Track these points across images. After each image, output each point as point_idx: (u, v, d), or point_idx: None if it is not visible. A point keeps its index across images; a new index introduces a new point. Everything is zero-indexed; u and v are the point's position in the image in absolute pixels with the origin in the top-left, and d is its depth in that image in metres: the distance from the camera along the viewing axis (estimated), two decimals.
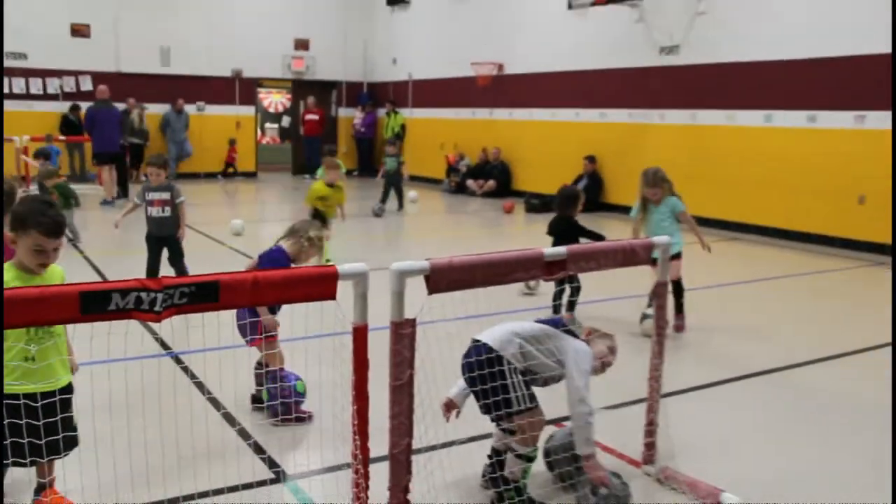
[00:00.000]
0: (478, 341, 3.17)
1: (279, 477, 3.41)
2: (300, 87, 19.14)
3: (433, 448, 3.24)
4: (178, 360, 4.91)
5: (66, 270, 2.97)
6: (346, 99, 19.49)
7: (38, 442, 2.71)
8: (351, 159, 18.69)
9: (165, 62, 16.83)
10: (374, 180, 12.44)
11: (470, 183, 15.51)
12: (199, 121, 17.34)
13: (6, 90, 15.04)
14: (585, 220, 6.35)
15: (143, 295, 2.09)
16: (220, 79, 17.60)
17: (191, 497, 3.14)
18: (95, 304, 2.05)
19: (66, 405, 2.89)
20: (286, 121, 22.02)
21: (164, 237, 6.26)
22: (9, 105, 14.81)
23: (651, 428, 3.50)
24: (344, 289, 2.42)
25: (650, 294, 5.81)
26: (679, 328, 5.85)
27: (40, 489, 3.05)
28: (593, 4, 11.92)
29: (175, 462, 3.34)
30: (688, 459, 3.57)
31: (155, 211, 6.18)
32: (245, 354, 4.24)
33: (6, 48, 14.81)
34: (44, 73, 15.71)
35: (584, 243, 4.09)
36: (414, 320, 2.51)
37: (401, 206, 12.91)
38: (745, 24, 10.73)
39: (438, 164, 16.85)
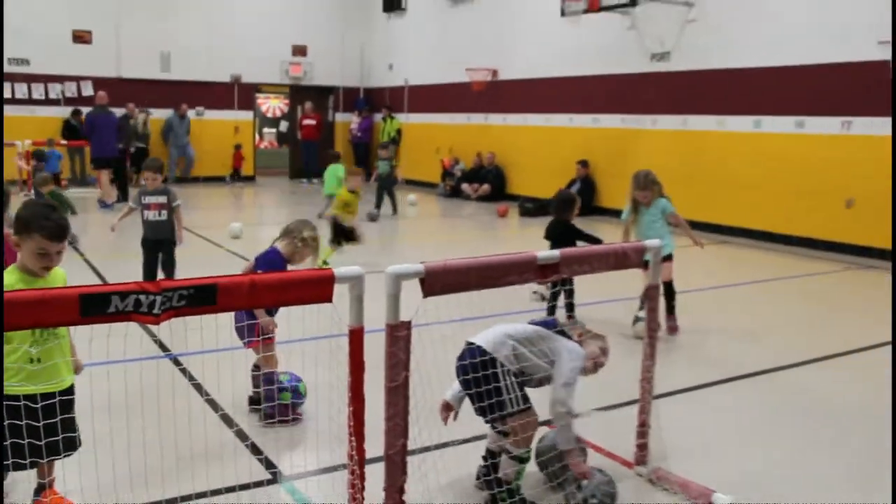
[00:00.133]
0: (472, 343, 3.21)
1: (276, 478, 3.45)
2: (298, 93, 19.20)
3: (428, 449, 3.27)
4: (176, 362, 4.94)
5: (67, 273, 3.01)
6: (342, 104, 19.55)
7: (37, 443, 2.74)
8: (347, 164, 18.71)
9: (165, 68, 16.90)
10: (369, 184, 12.51)
11: (465, 187, 15.57)
12: (199, 125, 17.41)
13: (8, 95, 15.10)
14: (579, 224, 6.40)
15: (142, 298, 2.13)
16: (220, 84, 17.67)
17: (188, 498, 3.17)
18: (95, 306, 2.08)
19: (68, 406, 2.92)
20: (284, 125, 22.07)
21: (161, 241, 6.27)
22: (11, 110, 14.88)
23: (643, 429, 3.54)
24: (340, 291, 2.47)
25: (642, 296, 5.86)
26: (672, 330, 5.90)
27: (40, 489, 3.08)
28: (586, 12, 11.99)
29: (174, 463, 3.37)
30: (679, 460, 3.61)
31: (151, 215, 6.19)
32: (243, 356, 4.28)
33: (8, 54, 14.87)
34: (46, 79, 15.78)
35: (580, 246, 4.14)
36: (409, 323, 2.55)
37: (395, 210, 12.93)
38: (735, 32, 10.83)
39: (434, 168, 16.91)
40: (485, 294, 2.92)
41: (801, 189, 10.18)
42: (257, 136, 20.95)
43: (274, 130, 24.37)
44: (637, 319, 5.78)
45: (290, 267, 4.18)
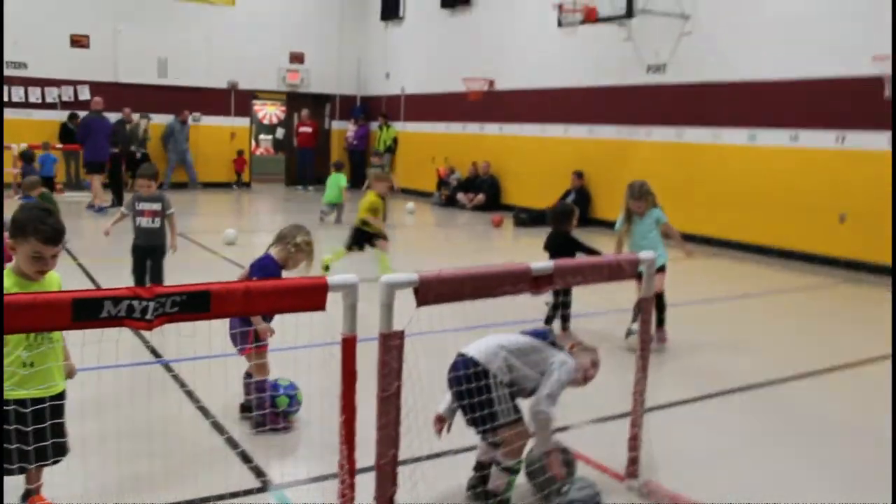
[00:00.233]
0: (464, 354, 3.20)
1: (266, 486, 3.43)
2: (294, 100, 19.23)
3: (419, 460, 3.26)
4: (168, 368, 4.92)
5: (61, 277, 3.00)
6: (339, 112, 19.58)
7: (26, 448, 2.72)
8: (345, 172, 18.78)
9: (163, 73, 16.91)
10: (362, 192, 12.55)
11: (460, 196, 15.59)
12: (194, 131, 17.42)
13: (5, 98, 15.08)
14: (574, 235, 6.41)
15: (135, 303, 2.12)
16: (217, 90, 17.68)
17: None
18: (88, 311, 2.06)
19: (58, 412, 2.90)
20: (280, 132, 22.09)
21: (152, 248, 6.17)
22: (7, 113, 14.85)
23: (634, 442, 3.54)
24: (334, 300, 2.46)
25: (635, 308, 5.87)
26: (661, 340, 5.90)
27: (27, 495, 3.05)
28: (583, 23, 12.05)
29: (162, 470, 3.36)
30: (670, 473, 3.61)
31: (145, 221, 6.11)
32: (235, 364, 4.27)
33: (6, 57, 14.85)
34: (43, 83, 15.77)
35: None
36: (402, 332, 2.55)
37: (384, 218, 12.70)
38: (731, 45, 10.90)
39: (429, 177, 16.93)
40: (480, 304, 2.92)
41: (795, 203, 10.24)
42: (253, 143, 20.96)
43: (270, 137, 24.39)
44: (630, 332, 5.78)
45: (284, 272, 4.17)
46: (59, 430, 2.88)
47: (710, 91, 11.31)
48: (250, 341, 3.94)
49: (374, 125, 18.74)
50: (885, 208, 8.89)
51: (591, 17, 11.82)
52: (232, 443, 3.70)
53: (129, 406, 3.30)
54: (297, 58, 18.59)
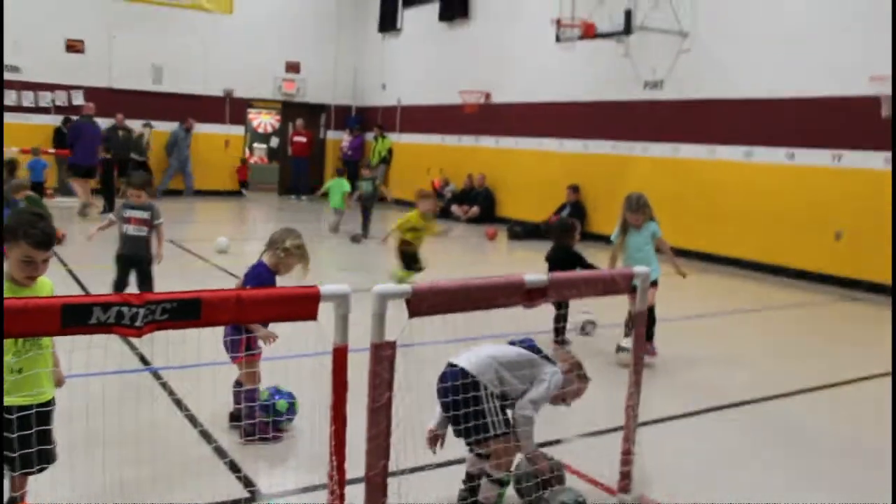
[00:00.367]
0: (454, 365, 3.19)
1: (254, 496, 3.39)
2: (290, 109, 19.24)
3: (409, 471, 3.24)
4: (157, 376, 4.88)
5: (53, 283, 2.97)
6: (334, 122, 19.60)
7: (11, 455, 2.69)
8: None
9: (158, 80, 16.90)
10: (351, 204, 12.53)
11: (455, 208, 15.58)
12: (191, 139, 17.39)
13: None
14: None
15: (125, 310, 2.10)
16: (212, 98, 17.68)
17: None
18: (77, 317, 2.05)
19: (45, 419, 2.87)
20: (275, 141, 22.09)
21: (138, 258, 6.05)
22: None
23: (627, 457, 3.52)
24: (326, 310, 2.45)
25: (626, 323, 5.86)
26: (649, 354, 5.86)
27: (11, 502, 3.02)
28: (581, 38, 12.11)
29: (150, 478, 3.32)
30: (663, 488, 3.60)
31: (132, 229, 6.00)
32: (224, 372, 4.24)
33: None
34: (36, 87, 15.73)
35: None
36: (394, 342, 2.54)
37: (365, 232, 12.14)
38: (728, 63, 10.96)
39: (424, 188, 16.91)
40: (472, 315, 2.91)
41: (791, 220, 10.27)
42: (247, 152, 20.95)
43: (264, 146, 24.37)
44: (620, 349, 5.75)
45: (279, 278, 4.15)
46: (46, 438, 2.85)
47: (706, 108, 11.37)
48: (241, 350, 3.91)
49: (370, 136, 18.76)
50: (880, 227, 8.92)
51: (589, 32, 11.87)
52: (220, 452, 3.66)
53: (117, 414, 3.26)
54: (293, 67, 18.62)
